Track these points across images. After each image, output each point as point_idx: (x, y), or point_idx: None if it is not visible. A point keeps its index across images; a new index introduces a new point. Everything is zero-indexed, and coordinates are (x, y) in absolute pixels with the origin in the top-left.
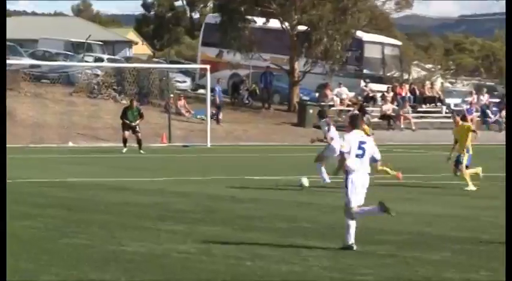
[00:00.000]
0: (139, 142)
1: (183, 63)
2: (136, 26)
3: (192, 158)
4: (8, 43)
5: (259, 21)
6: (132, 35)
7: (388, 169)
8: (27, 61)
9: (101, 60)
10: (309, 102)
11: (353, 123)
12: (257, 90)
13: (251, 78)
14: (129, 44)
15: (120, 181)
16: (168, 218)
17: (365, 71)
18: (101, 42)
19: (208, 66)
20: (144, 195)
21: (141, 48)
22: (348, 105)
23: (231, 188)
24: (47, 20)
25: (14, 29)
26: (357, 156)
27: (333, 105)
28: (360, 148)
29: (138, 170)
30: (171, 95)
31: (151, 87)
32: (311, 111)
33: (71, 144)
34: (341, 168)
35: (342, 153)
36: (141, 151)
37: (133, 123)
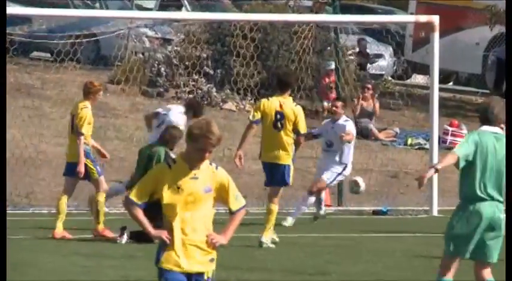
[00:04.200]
0: None
1: (377, 12)
2: None
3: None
4: None
5: None
6: None
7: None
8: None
9: (176, 7)
10: None
11: None
12: None
13: None
14: None
15: None
16: None
17: None
18: None
19: (435, 18)
20: None
21: None
22: None
23: None
24: None
25: None
26: None
27: None
28: None
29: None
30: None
31: (300, 71)
32: None
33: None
34: None
35: None
36: None
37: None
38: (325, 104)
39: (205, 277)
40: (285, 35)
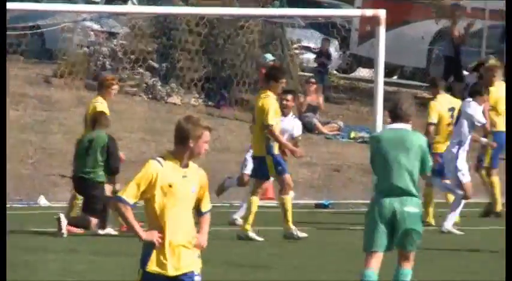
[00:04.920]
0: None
1: (323, 6)
2: None
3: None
4: None
5: None
6: None
7: None
8: None
9: (123, 0)
10: None
11: None
12: None
13: None
14: None
15: None
16: None
17: None
18: None
19: (381, 12)
20: None
21: None
22: None
23: None
24: None
25: None
26: None
27: None
28: None
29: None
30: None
31: (239, 66)
32: None
33: (43, 200)
34: None
35: None
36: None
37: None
38: None
39: (196, 273)
40: (231, 29)
